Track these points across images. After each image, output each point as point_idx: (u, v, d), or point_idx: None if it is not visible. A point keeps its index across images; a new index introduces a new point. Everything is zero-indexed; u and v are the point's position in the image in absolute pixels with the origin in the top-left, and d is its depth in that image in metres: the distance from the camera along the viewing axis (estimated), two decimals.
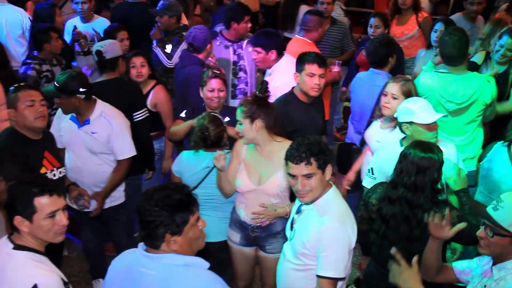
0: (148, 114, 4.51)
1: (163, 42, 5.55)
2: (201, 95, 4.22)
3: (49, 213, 2.45)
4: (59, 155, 3.77)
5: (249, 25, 5.41)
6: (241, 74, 5.41)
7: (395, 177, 3.15)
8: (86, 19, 6.09)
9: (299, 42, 5.32)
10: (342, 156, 4.75)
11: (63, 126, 3.95)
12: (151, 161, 4.68)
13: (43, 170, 3.58)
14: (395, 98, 3.89)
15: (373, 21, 5.83)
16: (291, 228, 3.09)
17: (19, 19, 5.98)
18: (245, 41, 5.39)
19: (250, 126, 3.42)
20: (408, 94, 3.86)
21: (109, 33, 5.29)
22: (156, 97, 4.75)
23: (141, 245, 2.34)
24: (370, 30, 5.86)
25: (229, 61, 5.38)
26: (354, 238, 2.89)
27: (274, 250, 3.57)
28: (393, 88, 3.92)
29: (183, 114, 4.34)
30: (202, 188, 3.75)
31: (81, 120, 3.91)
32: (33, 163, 3.46)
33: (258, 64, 4.91)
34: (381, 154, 3.69)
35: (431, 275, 2.89)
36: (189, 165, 3.84)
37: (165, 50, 5.49)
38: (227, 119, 4.04)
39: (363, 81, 4.80)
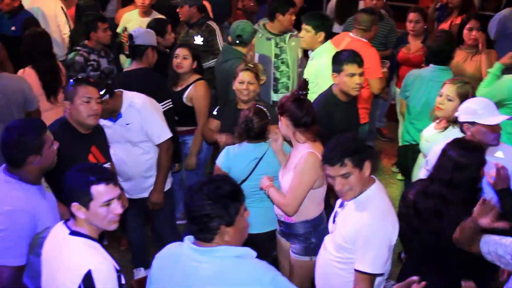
0: (171, 106, 4.50)
1: (190, 34, 5.54)
2: (233, 87, 4.23)
3: (105, 201, 2.48)
4: (106, 151, 3.79)
5: (294, 17, 5.33)
6: (283, 68, 5.34)
7: (433, 172, 3.16)
8: (146, 14, 6.10)
9: (357, 44, 5.16)
10: (405, 158, 4.72)
11: (102, 123, 3.95)
12: (177, 153, 4.62)
13: None
14: (449, 100, 3.82)
15: (412, 16, 5.78)
16: (334, 221, 3.10)
17: (53, 11, 6.09)
18: (288, 35, 5.32)
19: (280, 122, 3.50)
20: (465, 97, 3.76)
21: (159, 27, 5.23)
22: (194, 92, 4.68)
23: (188, 238, 2.36)
24: (409, 25, 5.83)
25: (271, 54, 5.31)
26: (394, 236, 2.89)
27: (295, 250, 3.58)
28: (449, 89, 3.86)
29: (215, 112, 4.33)
30: (250, 180, 3.74)
31: (115, 115, 3.96)
32: (79, 157, 3.48)
33: (302, 43, 4.85)
34: (432, 153, 3.59)
35: (466, 246, 2.86)
36: (237, 159, 3.81)
37: (195, 42, 5.43)
38: None
39: (425, 78, 4.69)
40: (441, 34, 4.98)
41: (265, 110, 3.80)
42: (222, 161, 3.85)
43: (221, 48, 5.47)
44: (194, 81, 4.71)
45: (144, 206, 4.19)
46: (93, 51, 5.12)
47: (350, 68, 3.92)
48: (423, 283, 2.42)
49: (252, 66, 4.23)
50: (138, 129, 3.97)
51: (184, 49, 4.70)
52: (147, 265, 4.43)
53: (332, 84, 4.10)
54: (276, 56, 5.32)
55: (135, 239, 4.43)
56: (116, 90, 3.94)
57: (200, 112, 4.67)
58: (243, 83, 4.17)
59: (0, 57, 4.61)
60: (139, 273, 4.42)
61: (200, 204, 2.24)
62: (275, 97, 5.24)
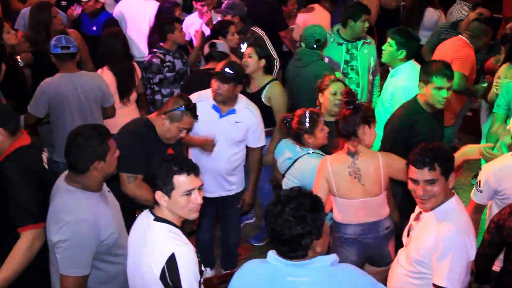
0: None
1: None
2: (320, 99, 4.18)
3: (186, 191, 2.57)
4: (181, 154, 3.85)
5: (366, 25, 5.27)
6: (352, 74, 5.30)
7: None
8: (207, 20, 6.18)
9: (459, 43, 5.10)
10: None
11: (201, 115, 3.96)
12: None
13: None
14: None
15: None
16: (408, 234, 3.03)
17: (148, 14, 6.22)
18: (361, 42, 5.28)
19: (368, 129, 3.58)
20: None
21: (221, 28, 5.31)
22: (271, 91, 4.72)
23: (274, 254, 2.35)
24: None
25: (340, 59, 5.29)
26: (472, 253, 2.79)
27: None
28: None
29: None
30: (286, 177, 3.89)
31: (225, 109, 4.03)
32: (154, 155, 3.49)
33: (382, 57, 4.71)
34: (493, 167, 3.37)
35: None
36: (278, 152, 4.06)
37: (241, 50, 5.44)
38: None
39: None
40: None
41: (315, 116, 3.81)
42: (276, 150, 4.10)
43: (273, 53, 5.52)
44: (269, 82, 4.74)
45: (221, 205, 4.27)
46: (169, 52, 5.26)
47: (438, 81, 3.77)
48: None
49: (342, 77, 4.21)
50: (244, 130, 4.10)
51: (249, 48, 4.74)
52: (212, 265, 4.57)
53: (417, 94, 3.97)
54: (346, 62, 5.29)
55: (206, 239, 4.47)
56: None
57: (278, 111, 4.69)
58: (335, 94, 4.11)
59: (81, 54, 4.79)
60: (206, 273, 4.43)
61: (287, 226, 2.25)
62: None
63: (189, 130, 3.64)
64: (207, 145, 4.05)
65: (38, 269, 2.97)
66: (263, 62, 4.68)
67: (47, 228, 2.85)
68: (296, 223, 2.23)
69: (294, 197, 2.30)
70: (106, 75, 4.83)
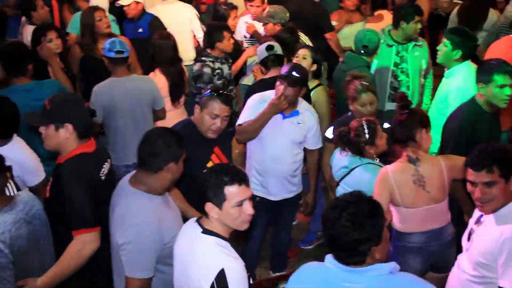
0: None
1: None
2: (351, 107, 4.10)
3: (237, 202, 2.51)
4: (229, 153, 3.85)
5: (419, 26, 5.16)
6: (402, 77, 5.21)
7: None
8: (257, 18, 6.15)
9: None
10: None
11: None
12: None
13: (209, 164, 3.65)
14: None
15: None
16: (469, 238, 2.96)
17: (189, 16, 6.26)
18: (412, 44, 5.17)
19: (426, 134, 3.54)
20: None
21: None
22: (317, 97, 4.68)
23: (332, 259, 2.32)
24: None
25: (389, 62, 5.20)
26: None
27: None
28: None
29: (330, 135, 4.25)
30: (340, 186, 3.82)
31: (287, 111, 4.01)
32: (201, 157, 3.57)
33: (438, 58, 4.56)
34: None
35: None
36: (333, 161, 3.99)
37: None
38: (386, 125, 3.91)
39: None
40: None
41: (375, 123, 3.73)
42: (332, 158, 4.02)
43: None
44: (315, 86, 4.72)
45: (278, 208, 4.24)
46: (217, 59, 5.22)
47: (500, 79, 3.68)
48: None
49: (368, 84, 4.05)
50: (304, 131, 4.10)
51: (304, 49, 4.75)
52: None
53: (475, 94, 3.88)
54: (396, 64, 5.20)
55: (256, 242, 4.41)
56: None
57: (323, 116, 4.67)
58: (364, 105, 4.02)
59: (129, 59, 4.80)
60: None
61: (345, 232, 2.21)
62: (390, 106, 5.12)
63: (220, 118, 3.52)
64: (276, 104, 3.89)
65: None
66: (314, 66, 4.69)
67: (111, 230, 2.89)
68: (353, 229, 2.19)
69: (352, 203, 2.26)
70: (158, 78, 4.86)
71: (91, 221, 2.88)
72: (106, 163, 3.11)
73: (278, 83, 3.97)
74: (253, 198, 3.95)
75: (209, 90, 3.56)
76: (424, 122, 3.48)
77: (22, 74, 4.23)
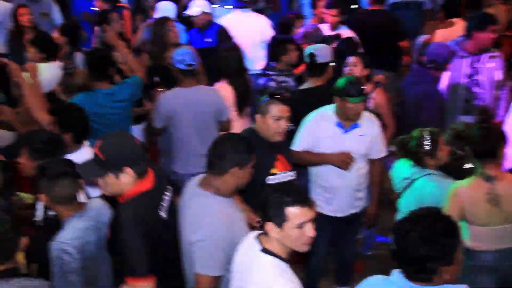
0: None
1: None
2: None
3: (298, 223, 2.48)
4: (291, 160, 3.81)
5: (493, 36, 4.95)
6: (476, 89, 4.99)
7: None
8: (332, 27, 6.16)
9: None
10: None
11: (324, 133, 3.98)
12: None
13: (274, 171, 3.66)
14: None
15: None
16: None
17: (259, 26, 6.31)
18: (487, 55, 4.97)
19: None
20: None
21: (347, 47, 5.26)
22: (377, 99, 4.70)
23: (399, 274, 2.27)
24: None
25: (462, 73, 5.00)
26: None
27: None
28: None
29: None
30: (403, 198, 3.73)
31: (347, 124, 3.96)
32: (264, 164, 3.56)
33: None
34: None
35: None
36: (394, 171, 3.90)
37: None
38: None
39: None
40: None
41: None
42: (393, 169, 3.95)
43: None
44: (373, 89, 4.70)
45: (343, 223, 4.18)
46: (282, 72, 5.20)
47: None
48: None
49: None
50: (367, 142, 4.03)
51: (354, 57, 4.74)
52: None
53: None
54: (469, 76, 4.99)
55: (320, 258, 4.35)
56: None
57: (388, 117, 4.65)
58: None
59: (197, 70, 4.86)
60: None
61: (414, 246, 2.15)
62: (463, 119, 4.86)
63: (284, 119, 3.55)
64: (344, 160, 3.91)
65: None
66: (366, 71, 4.68)
67: (182, 230, 2.94)
68: (424, 244, 2.13)
69: (428, 217, 2.20)
70: (224, 89, 4.89)
71: (143, 271, 2.72)
72: (166, 196, 2.96)
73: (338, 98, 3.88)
74: (319, 214, 3.99)
75: (267, 96, 3.59)
76: (503, 137, 3.35)
77: (105, 79, 4.40)
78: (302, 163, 4.08)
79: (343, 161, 3.90)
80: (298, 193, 2.52)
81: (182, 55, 4.51)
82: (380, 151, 4.15)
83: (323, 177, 4.06)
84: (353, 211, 4.17)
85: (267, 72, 5.24)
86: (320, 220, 3.99)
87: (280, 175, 3.65)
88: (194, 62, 4.52)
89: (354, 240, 4.47)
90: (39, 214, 3.29)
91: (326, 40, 5.54)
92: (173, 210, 2.96)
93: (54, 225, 3.01)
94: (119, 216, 2.77)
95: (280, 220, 2.47)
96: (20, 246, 2.71)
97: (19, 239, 2.69)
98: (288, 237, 2.49)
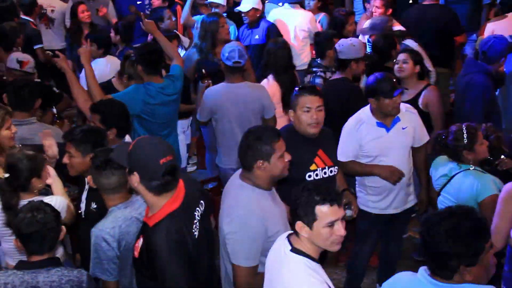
0: None
1: None
2: None
3: (328, 222, 2.46)
4: (333, 155, 3.77)
5: None
6: None
7: None
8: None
9: None
10: None
11: (367, 136, 3.91)
12: None
13: (313, 167, 3.63)
14: None
15: None
16: None
17: (307, 23, 6.28)
18: None
19: None
20: None
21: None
22: (429, 97, 4.60)
23: (424, 270, 2.26)
24: None
25: None
26: None
27: None
28: None
29: None
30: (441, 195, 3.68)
31: (388, 121, 3.91)
32: (305, 160, 3.55)
33: None
34: None
35: None
36: (432, 168, 3.88)
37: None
38: None
39: None
40: None
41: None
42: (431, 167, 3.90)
43: (428, 64, 5.26)
44: (424, 87, 4.63)
45: (393, 220, 4.12)
46: (328, 69, 5.16)
47: None
48: None
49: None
50: (411, 133, 3.99)
51: (403, 53, 4.72)
52: None
53: None
54: None
55: (365, 257, 4.27)
56: None
57: (436, 118, 4.56)
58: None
59: (244, 67, 4.90)
60: None
61: (437, 240, 2.13)
62: None
63: (313, 109, 3.47)
64: (393, 174, 3.86)
65: None
66: (417, 68, 4.60)
67: (219, 219, 2.99)
68: (446, 241, 2.11)
69: (456, 215, 2.17)
70: (271, 85, 4.91)
71: None
72: (197, 212, 2.81)
73: (382, 97, 3.80)
74: (368, 214, 3.98)
75: (296, 91, 3.57)
76: None
77: (157, 73, 4.50)
78: (350, 174, 4.05)
79: (392, 175, 3.85)
80: (328, 191, 2.49)
81: (230, 53, 4.54)
82: (422, 138, 4.09)
83: (374, 179, 3.98)
84: (406, 206, 4.10)
85: (313, 69, 5.20)
86: (369, 220, 4.02)
87: (319, 171, 3.62)
88: (241, 60, 4.55)
89: (400, 239, 4.39)
90: (82, 206, 3.40)
91: (391, 33, 5.46)
92: (204, 227, 2.84)
93: (96, 218, 3.10)
94: (151, 242, 2.60)
95: (310, 219, 2.46)
96: (61, 236, 2.82)
97: (60, 232, 2.80)
98: (318, 236, 2.47)
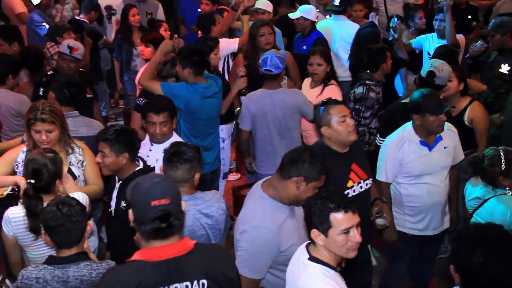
0: None
1: (497, 61, 5.24)
2: None
3: (343, 229, 2.45)
4: (366, 166, 3.67)
5: None
6: None
7: None
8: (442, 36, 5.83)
9: None
10: None
11: (410, 155, 3.80)
12: None
13: (349, 184, 3.52)
14: None
15: None
16: None
17: (351, 34, 6.20)
18: None
19: None
20: None
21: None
22: (474, 113, 4.47)
23: None
24: None
25: None
26: None
27: None
28: None
29: None
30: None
31: (430, 140, 3.81)
32: (340, 176, 3.46)
33: None
34: None
35: None
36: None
37: (500, 70, 5.17)
38: None
39: None
40: None
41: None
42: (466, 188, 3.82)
43: None
44: (470, 102, 4.50)
45: (428, 241, 3.99)
46: (378, 83, 4.97)
47: None
48: None
49: None
50: (452, 152, 3.92)
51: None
52: None
53: None
54: None
55: (400, 277, 4.17)
56: None
57: (481, 134, 4.44)
58: None
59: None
60: None
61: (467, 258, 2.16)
62: None
63: (348, 117, 3.42)
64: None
65: None
66: (462, 85, 4.49)
67: (235, 225, 3.00)
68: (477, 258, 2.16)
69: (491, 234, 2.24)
70: (334, 92, 4.88)
71: None
72: None
73: (428, 114, 3.67)
74: (404, 234, 3.92)
75: (321, 107, 3.49)
76: None
77: (202, 74, 4.58)
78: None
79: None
80: (342, 198, 2.48)
81: (262, 60, 4.57)
82: (459, 157, 4.00)
83: (413, 199, 3.87)
84: (444, 227, 4.00)
85: (367, 82, 4.91)
86: (406, 241, 3.92)
87: (356, 187, 3.52)
88: (272, 68, 4.52)
89: (434, 260, 4.24)
90: (112, 204, 3.39)
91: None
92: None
93: (125, 216, 3.04)
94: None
95: (324, 227, 2.45)
96: (88, 231, 2.78)
97: (86, 225, 2.77)
98: (334, 244, 2.46)
